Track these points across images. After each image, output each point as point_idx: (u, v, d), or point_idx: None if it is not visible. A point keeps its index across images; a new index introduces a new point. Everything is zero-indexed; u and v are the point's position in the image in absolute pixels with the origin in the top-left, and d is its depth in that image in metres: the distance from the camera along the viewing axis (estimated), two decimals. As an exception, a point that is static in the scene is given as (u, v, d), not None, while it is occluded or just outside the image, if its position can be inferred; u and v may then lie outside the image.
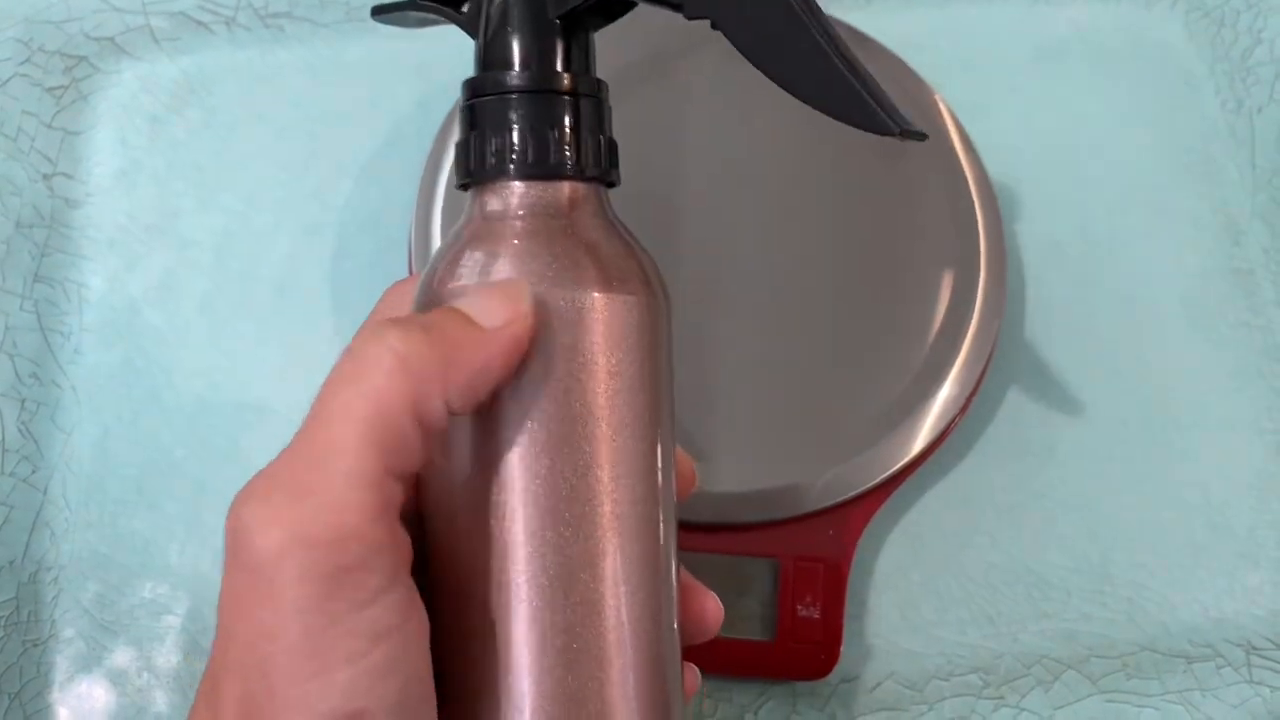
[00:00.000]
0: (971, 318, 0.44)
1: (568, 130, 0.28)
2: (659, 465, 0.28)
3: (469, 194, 0.29)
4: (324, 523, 0.23)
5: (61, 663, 0.43)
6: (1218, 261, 0.50)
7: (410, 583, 0.24)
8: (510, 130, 0.28)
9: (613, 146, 0.30)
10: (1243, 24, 0.54)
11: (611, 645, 0.27)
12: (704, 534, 0.42)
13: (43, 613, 0.43)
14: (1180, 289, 0.50)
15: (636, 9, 0.31)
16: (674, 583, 0.29)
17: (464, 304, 0.26)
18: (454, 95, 0.46)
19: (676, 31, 0.47)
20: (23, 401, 0.45)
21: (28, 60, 0.49)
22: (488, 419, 0.26)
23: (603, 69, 0.49)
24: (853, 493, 0.42)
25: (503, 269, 0.27)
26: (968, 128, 0.47)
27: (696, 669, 0.32)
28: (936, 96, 0.47)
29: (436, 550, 0.28)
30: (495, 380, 0.26)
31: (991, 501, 0.46)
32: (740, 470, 0.41)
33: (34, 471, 0.44)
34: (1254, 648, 0.44)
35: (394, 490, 0.24)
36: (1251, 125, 0.52)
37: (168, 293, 0.47)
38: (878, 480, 0.42)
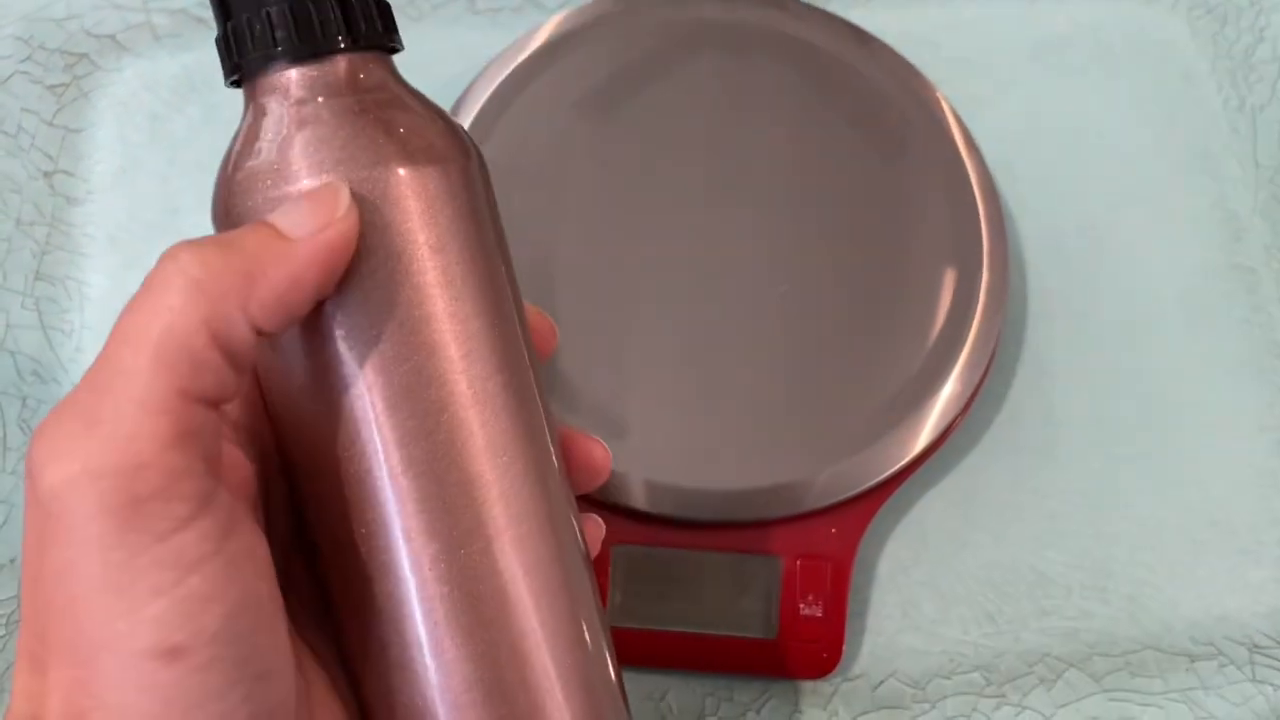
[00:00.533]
0: (973, 315, 0.44)
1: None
2: (511, 330, 0.27)
3: (242, 91, 0.27)
4: (115, 452, 0.21)
5: (63, 661, 0.42)
6: (1219, 258, 0.50)
7: (231, 507, 0.23)
8: (268, 11, 0.25)
9: (386, 8, 0.27)
10: (1245, 21, 0.54)
11: (497, 517, 0.26)
12: (706, 532, 0.42)
13: (44, 611, 0.43)
14: (1182, 286, 0.50)
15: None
16: (551, 442, 0.28)
17: (273, 216, 0.24)
18: (454, 93, 0.46)
19: (677, 29, 0.47)
20: (24, 399, 0.45)
21: (28, 58, 0.49)
22: (317, 323, 0.25)
23: (605, 68, 0.49)
24: (855, 491, 0.42)
25: (295, 164, 0.25)
26: (969, 124, 0.47)
27: (599, 519, 0.31)
28: (938, 93, 0.47)
29: (295, 467, 0.27)
30: (311, 292, 0.24)
31: (993, 499, 0.46)
32: (742, 468, 0.41)
33: (35, 469, 0.44)
34: (1257, 646, 0.44)
35: (196, 415, 0.22)
36: (1253, 123, 0.52)
37: (169, 290, 0.47)
38: (880, 478, 0.42)
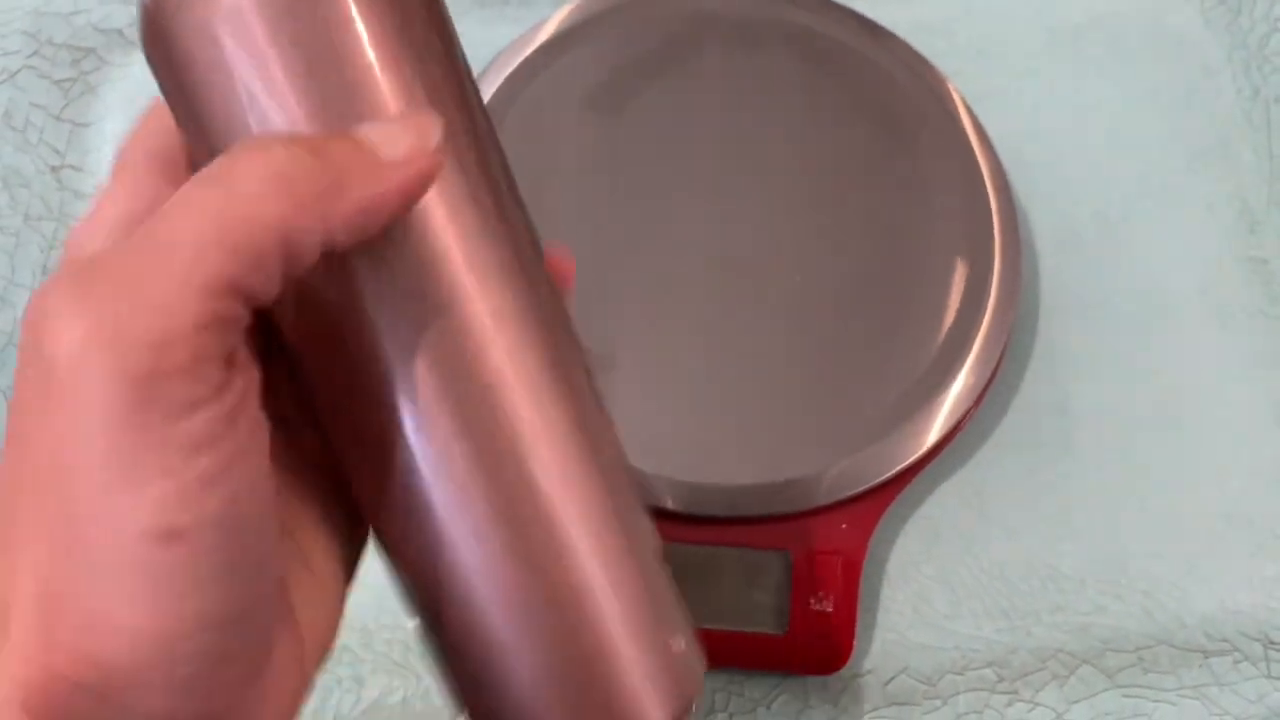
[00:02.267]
0: (986, 308, 0.44)
1: None
2: (531, 268, 0.26)
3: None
4: (147, 320, 0.20)
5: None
6: (1234, 250, 0.50)
7: (241, 398, 0.22)
8: None
9: None
10: (1260, 10, 0.53)
11: (537, 443, 0.24)
12: (716, 527, 0.41)
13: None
14: (1196, 278, 0.49)
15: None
16: (589, 392, 0.26)
17: (364, 129, 0.23)
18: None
19: (686, 21, 0.47)
20: (32, 395, 0.45)
21: (36, 53, 0.49)
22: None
23: (615, 60, 0.49)
24: (866, 485, 0.42)
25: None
26: (981, 116, 0.47)
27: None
28: (950, 85, 0.47)
29: (320, 386, 0.25)
30: (387, 218, 0.22)
31: (1006, 493, 0.46)
32: (752, 463, 0.41)
33: (44, 465, 0.44)
34: (1271, 642, 0.44)
35: (234, 307, 0.21)
36: (1268, 113, 0.52)
37: (177, 285, 0.47)
38: (891, 473, 0.42)
